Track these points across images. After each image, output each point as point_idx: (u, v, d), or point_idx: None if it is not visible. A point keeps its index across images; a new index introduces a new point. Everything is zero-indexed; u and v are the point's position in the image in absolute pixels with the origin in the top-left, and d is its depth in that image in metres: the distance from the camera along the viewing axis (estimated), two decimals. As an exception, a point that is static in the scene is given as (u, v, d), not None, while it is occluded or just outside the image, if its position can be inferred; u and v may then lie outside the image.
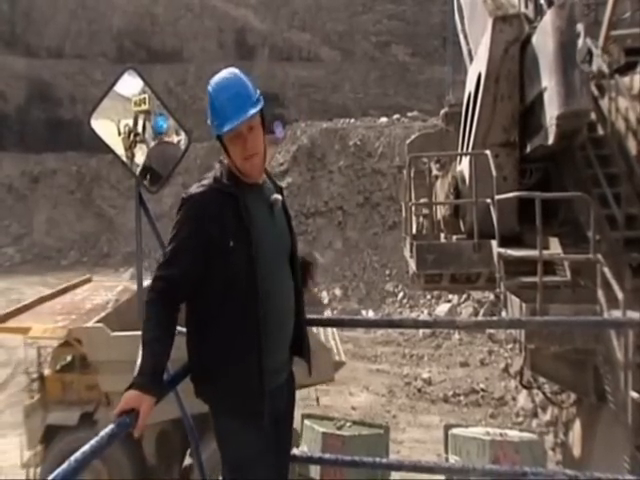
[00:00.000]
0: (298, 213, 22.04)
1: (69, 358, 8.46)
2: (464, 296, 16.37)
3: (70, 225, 28.33)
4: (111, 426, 1.61)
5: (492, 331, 13.97)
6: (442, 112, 9.63)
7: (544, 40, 5.80)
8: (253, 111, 1.90)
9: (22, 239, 28.12)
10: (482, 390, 12.18)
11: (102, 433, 1.56)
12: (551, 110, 5.64)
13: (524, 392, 10.70)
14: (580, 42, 5.88)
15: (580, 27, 6.01)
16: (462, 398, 12.04)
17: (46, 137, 30.11)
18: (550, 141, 5.72)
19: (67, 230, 28.13)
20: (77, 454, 1.44)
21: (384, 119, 25.27)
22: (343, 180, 23.27)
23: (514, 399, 11.54)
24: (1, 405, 11.52)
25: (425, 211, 7.82)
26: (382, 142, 23.35)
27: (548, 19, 5.76)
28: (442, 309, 16.99)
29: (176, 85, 30.84)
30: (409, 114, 25.80)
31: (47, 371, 8.43)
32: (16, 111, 31.28)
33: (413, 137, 10.16)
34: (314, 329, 7.54)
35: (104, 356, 7.21)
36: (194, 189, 1.97)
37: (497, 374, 12.80)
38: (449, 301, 17.20)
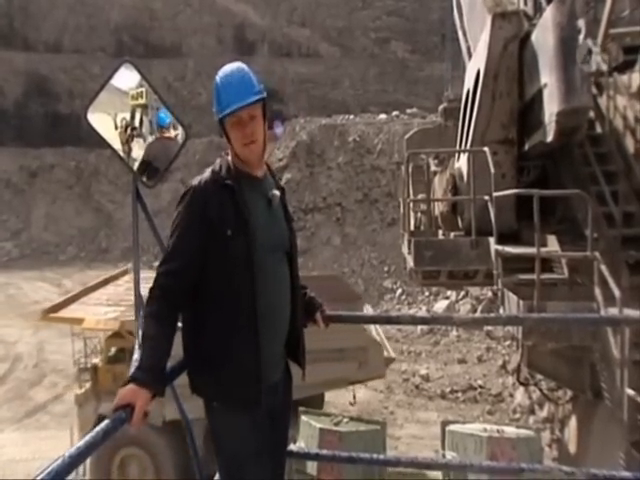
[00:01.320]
0: (297, 209, 22.04)
1: (113, 349, 8.58)
2: (462, 293, 16.40)
3: (68, 220, 28.28)
4: (106, 422, 1.61)
5: (490, 328, 13.99)
6: (441, 107, 9.60)
7: (544, 36, 5.75)
8: (254, 98, 1.98)
9: (20, 234, 28.08)
10: (480, 387, 12.21)
11: (97, 429, 1.55)
12: (551, 107, 5.59)
13: (521, 389, 10.73)
14: (581, 39, 5.85)
15: (581, 23, 5.98)
16: (460, 395, 12.07)
17: (44, 132, 30.04)
18: (550, 138, 5.69)
19: (65, 225, 28.08)
20: (72, 450, 1.42)
21: (383, 116, 25.25)
22: (342, 176, 23.27)
23: (511, 396, 11.57)
24: (-1, 400, 11.52)
25: (423, 207, 7.82)
26: (381, 139, 23.33)
27: (549, 15, 5.71)
28: (440, 306, 17.02)
29: (175, 80, 30.76)
30: (408, 111, 25.79)
31: (98, 362, 8.56)
32: (14, 106, 31.18)
33: (411, 132, 10.13)
34: (365, 326, 7.47)
35: None
36: (194, 181, 2.03)
37: (495, 371, 12.83)
38: (447, 298, 17.22)
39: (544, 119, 5.79)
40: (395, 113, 25.42)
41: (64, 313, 8.44)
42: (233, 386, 1.97)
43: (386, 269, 20.44)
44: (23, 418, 10.73)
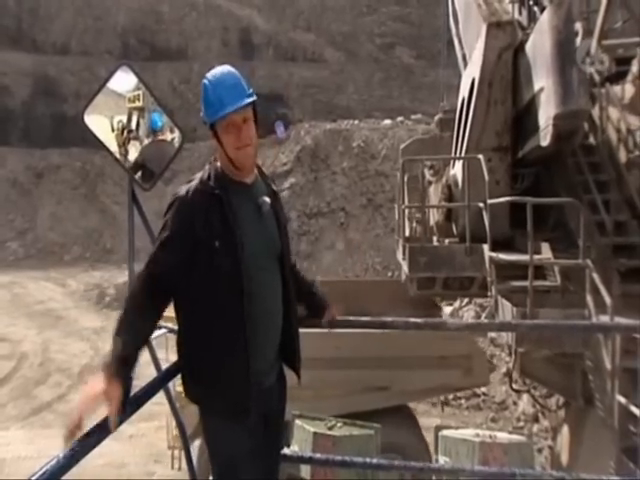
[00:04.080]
0: (301, 213, 22.07)
1: None
2: (466, 300, 16.34)
3: (74, 221, 28.40)
4: (99, 421, 1.63)
5: (494, 335, 13.91)
6: (436, 118, 9.61)
7: (541, 39, 5.74)
8: (248, 100, 1.96)
9: (26, 234, 28.21)
10: (483, 394, 12.11)
11: (90, 430, 1.59)
12: (548, 110, 5.57)
13: (525, 397, 10.66)
14: (578, 41, 5.85)
15: (578, 26, 5.98)
16: (463, 402, 11.98)
17: (51, 133, 30.22)
18: (546, 142, 5.65)
19: (71, 225, 28.20)
20: (65, 451, 1.47)
21: (388, 121, 25.24)
22: (346, 181, 23.27)
23: (515, 403, 11.48)
24: (5, 398, 11.59)
25: (418, 216, 7.83)
26: (386, 144, 23.33)
27: (545, 18, 5.71)
28: (444, 312, 16.95)
29: (180, 83, 30.84)
30: (413, 116, 25.78)
31: None
32: (21, 106, 31.37)
33: (407, 142, 10.17)
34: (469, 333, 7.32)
35: None
36: (181, 190, 2.03)
37: (498, 378, 12.74)
38: (451, 304, 17.16)
39: (540, 124, 5.77)
40: (400, 119, 25.42)
41: None
42: (223, 394, 2.00)
43: (389, 274, 20.40)
44: (28, 416, 10.79)
